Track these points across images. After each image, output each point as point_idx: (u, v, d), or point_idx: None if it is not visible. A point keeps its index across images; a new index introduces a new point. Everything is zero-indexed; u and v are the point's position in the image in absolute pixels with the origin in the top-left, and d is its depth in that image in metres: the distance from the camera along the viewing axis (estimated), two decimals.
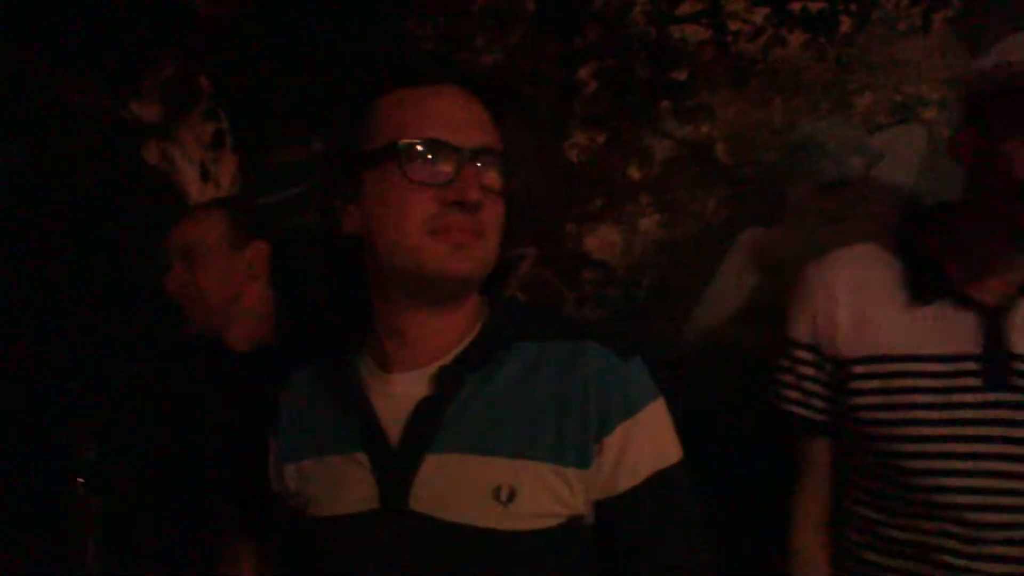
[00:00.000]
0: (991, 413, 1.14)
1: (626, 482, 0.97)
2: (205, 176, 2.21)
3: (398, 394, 1.01)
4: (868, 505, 1.27)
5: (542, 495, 0.96)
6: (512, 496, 0.95)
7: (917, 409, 1.18)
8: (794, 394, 1.35)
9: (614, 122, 1.95)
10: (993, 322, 1.17)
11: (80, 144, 2.25)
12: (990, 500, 1.16)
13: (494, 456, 0.96)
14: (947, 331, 1.19)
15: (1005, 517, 1.15)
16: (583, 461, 0.96)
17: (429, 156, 0.94)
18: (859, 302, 1.25)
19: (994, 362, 1.15)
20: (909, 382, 1.20)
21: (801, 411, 1.34)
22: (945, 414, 1.17)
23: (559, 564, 0.98)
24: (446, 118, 0.97)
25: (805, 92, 1.86)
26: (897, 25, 1.80)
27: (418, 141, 0.94)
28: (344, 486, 1.00)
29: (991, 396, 1.15)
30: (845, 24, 1.81)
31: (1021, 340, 1.15)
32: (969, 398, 1.16)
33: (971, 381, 1.17)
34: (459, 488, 0.96)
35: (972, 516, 1.16)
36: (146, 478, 1.79)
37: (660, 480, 0.98)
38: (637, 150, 1.91)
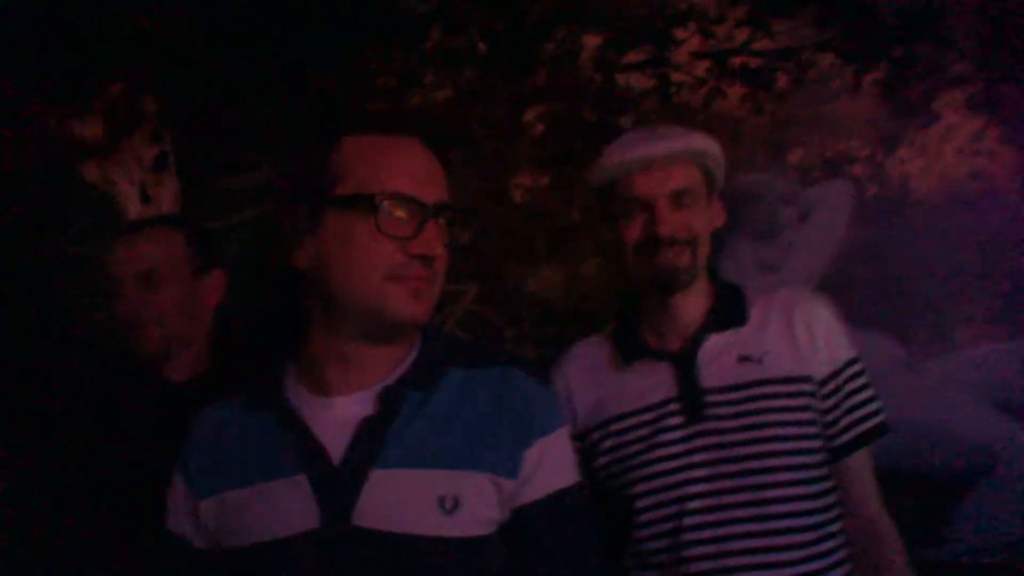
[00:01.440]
0: (696, 443, 1.29)
1: (532, 495, 1.03)
2: (146, 199, 2.18)
3: (338, 416, 1.03)
4: (633, 564, 1.37)
5: (483, 503, 1.00)
6: (456, 505, 0.98)
7: (634, 457, 1.33)
8: None
9: (559, 164, 1.98)
10: (683, 367, 1.32)
11: (18, 160, 2.20)
12: (703, 519, 1.27)
13: (438, 468, 1.00)
14: (652, 384, 1.34)
15: (710, 532, 1.27)
16: (514, 472, 1.01)
17: (398, 210, 1.00)
18: (589, 382, 1.41)
19: (690, 400, 1.30)
20: (629, 436, 1.34)
21: None
22: (652, 454, 1.31)
23: (497, 569, 1.01)
24: (413, 173, 1.03)
25: (743, 144, 1.92)
26: (831, 83, 1.88)
27: (390, 195, 1.00)
28: (280, 510, 1.01)
29: (693, 428, 1.29)
30: (782, 80, 1.88)
31: (708, 376, 1.31)
32: (671, 436, 1.30)
33: (675, 420, 1.31)
34: (405, 500, 0.98)
35: (687, 536, 1.28)
36: (62, 511, 1.72)
37: (562, 497, 1.05)
38: (580, 192, 1.94)
